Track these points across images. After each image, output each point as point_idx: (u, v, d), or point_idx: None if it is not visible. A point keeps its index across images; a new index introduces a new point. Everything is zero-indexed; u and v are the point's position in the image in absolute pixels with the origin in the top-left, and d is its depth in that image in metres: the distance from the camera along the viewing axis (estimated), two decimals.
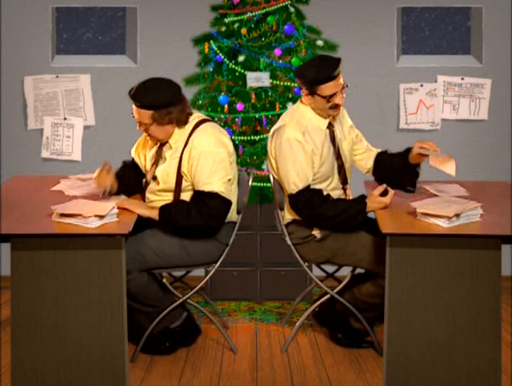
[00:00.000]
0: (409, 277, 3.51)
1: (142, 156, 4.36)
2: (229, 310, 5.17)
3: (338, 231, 4.24)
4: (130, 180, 4.35)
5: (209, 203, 4.02)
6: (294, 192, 4.19)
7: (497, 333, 3.51)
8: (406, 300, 3.52)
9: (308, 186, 4.19)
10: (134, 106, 4.11)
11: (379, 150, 4.55)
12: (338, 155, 4.35)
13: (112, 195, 4.18)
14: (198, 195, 4.06)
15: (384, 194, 4.08)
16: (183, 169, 4.11)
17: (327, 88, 4.18)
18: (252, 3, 5.15)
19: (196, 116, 4.23)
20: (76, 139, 5.69)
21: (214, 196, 4.03)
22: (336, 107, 4.25)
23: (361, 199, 4.16)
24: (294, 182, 4.19)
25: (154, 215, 4.05)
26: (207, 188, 4.03)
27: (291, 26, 5.14)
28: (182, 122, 4.14)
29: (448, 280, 3.50)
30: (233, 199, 4.25)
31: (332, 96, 4.20)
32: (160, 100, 4.03)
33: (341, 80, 4.22)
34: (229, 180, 4.12)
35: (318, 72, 4.16)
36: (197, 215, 4.02)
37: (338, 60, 4.19)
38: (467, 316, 3.51)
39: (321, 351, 4.46)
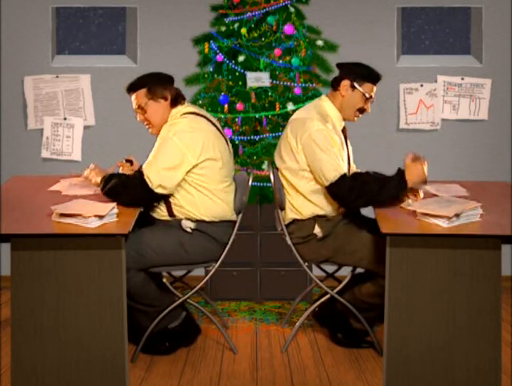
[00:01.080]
0: (409, 277, 3.51)
1: None
2: (229, 310, 5.18)
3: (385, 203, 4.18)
4: None
5: (135, 183, 4.06)
6: (336, 179, 4.14)
7: (497, 333, 3.51)
8: (406, 300, 3.52)
9: (345, 174, 4.18)
10: (132, 99, 4.26)
11: (358, 170, 4.57)
12: (348, 158, 4.42)
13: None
14: (139, 171, 4.13)
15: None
16: None
17: (370, 88, 4.32)
18: (252, 3, 5.15)
19: (187, 109, 4.27)
20: (76, 139, 5.69)
21: (143, 179, 4.06)
22: (362, 112, 4.37)
23: (399, 172, 4.14)
24: (335, 169, 4.15)
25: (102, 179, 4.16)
26: (145, 170, 4.08)
27: (291, 26, 5.14)
28: (176, 101, 4.25)
29: (448, 280, 3.50)
30: (230, 198, 4.29)
31: (369, 98, 4.31)
32: (150, 78, 4.24)
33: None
34: (170, 168, 4.10)
35: (373, 71, 4.32)
36: (125, 186, 4.05)
37: (380, 74, 4.36)
38: (467, 316, 3.51)
39: (321, 351, 4.46)
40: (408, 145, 5.73)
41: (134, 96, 4.26)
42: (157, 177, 4.07)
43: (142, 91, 4.22)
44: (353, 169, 4.58)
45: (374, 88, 4.35)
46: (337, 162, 4.17)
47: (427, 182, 4.12)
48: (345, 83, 4.31)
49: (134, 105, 4.27)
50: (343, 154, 4.29)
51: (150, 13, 5.65)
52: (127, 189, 4.04)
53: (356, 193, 4.11)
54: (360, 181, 4.13)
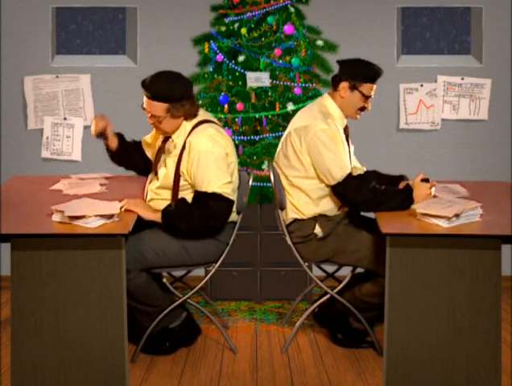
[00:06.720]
0: (409, 277, 3.51)
1: (152, 146, 4.45)
2: (229, 309, 5.17)
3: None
4: (129, 150, 4.48)
5: (212, 205, 4.02)
6: (343, 178, 4.16)
7: (497, 333, 3.51)
8: (406, 300, 3.52)
9: (351, 173, 4.20)
10: (145, 98, 4.09)
11: (365, 169, 4.57)
12: (350, 156, 4.41)
13: (105, 140, 4.39)
14: (200, 195, 4.04)
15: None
16: (182, 168, 4.11)
17: (369, 88, 4.29)
18: (252, 3, 5.15)
19: (202, 118, 4.21)
20: (76, 139, 5.69)
21: (217, 197, 4.03)
22: (363, 110, 4.35)
23: (408, 188, 4.12)
24: (341, 168, 4.16)
25: (158, 218, 4.06)
26: (209, 189, 4.03)
27: (291, 26, 5.14)
28: (192, 115, 4.16)
29: (448, 280, 3.50)
30: (236, 199, 4.26)
31: (368, 97, 4.30)
32: (175, 93, 4.05)
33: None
34: (230, 181, 4.12)
35: (372, 70, 4.28)
36: (199, 217, 4.02)
37: (380, 69, 4.32)
38: (467, 316, 3.51)
39: (321, 351, 4.46)
40: (408, 145, 5.74)
41: (149, 101, 4.06)
42: (228, 186, 4.06)
43: (163, 105, 4.05)
44: (356, 168, 4.57)
45: (374, 86, 4.33)
46: (343, 161, 4.18)
47: None
48: (344, 85, 4.29)
49: (147, 108, 4.09)
50: (346, 153, 4.29)
51: (150, 13, 5.65)
52: (206, 209, 4.02)
53: (362, 195, 4.12)
54: (367, 184, 4.13)
